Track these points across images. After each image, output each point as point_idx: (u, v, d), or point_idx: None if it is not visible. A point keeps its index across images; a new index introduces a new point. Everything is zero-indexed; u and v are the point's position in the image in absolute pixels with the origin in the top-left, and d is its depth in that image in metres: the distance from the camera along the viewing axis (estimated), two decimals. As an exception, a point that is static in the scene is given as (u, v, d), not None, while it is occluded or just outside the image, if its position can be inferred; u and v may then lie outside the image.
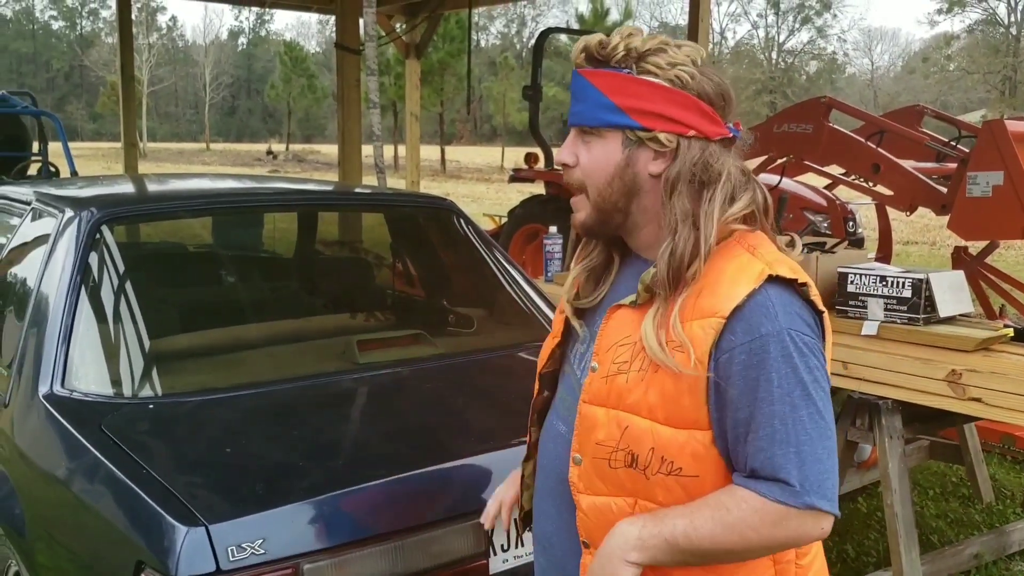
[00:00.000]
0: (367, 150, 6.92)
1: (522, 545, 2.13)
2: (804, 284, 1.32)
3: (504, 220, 8.70)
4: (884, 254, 6.94)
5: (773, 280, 1.29)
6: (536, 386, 1.64)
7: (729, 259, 1.33)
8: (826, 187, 7.49)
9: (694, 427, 1.31)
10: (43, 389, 2.26)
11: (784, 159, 6.18)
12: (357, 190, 4.21)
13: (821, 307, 1.34)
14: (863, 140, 5.82)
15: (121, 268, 2.64)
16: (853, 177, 6.15)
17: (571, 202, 1.45)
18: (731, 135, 1.37)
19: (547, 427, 1.56)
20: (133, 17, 13.11)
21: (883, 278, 3.16)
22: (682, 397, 1.30)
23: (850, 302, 3.23)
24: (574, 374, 1.49)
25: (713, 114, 1.35)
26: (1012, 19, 49.09)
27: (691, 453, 1.31)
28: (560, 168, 1.47)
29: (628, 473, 1.35)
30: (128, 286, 2.62)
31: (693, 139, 1.34)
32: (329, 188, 4.06)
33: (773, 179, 5.61)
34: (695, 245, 1.31)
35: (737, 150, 1.39)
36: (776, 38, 69.31)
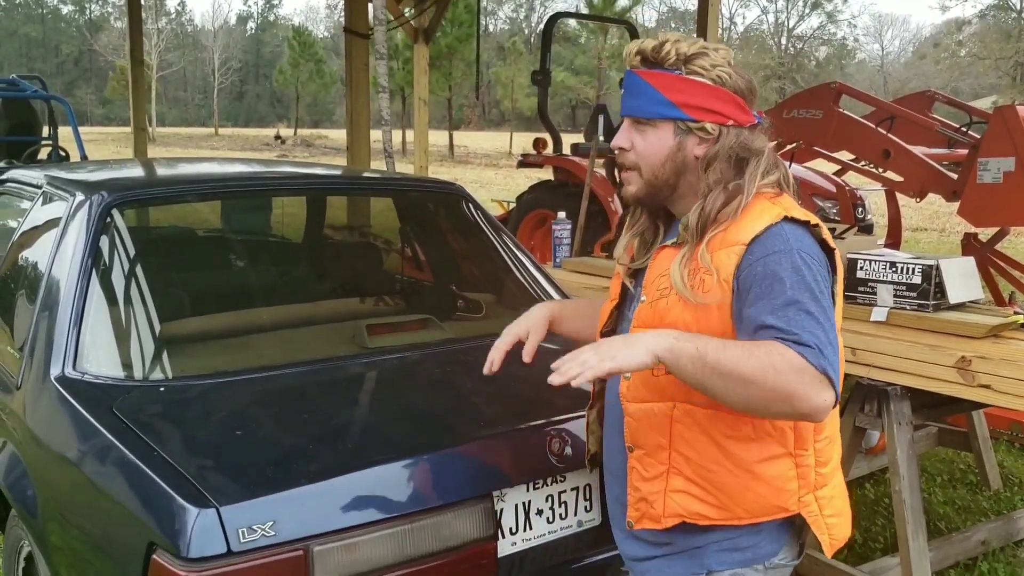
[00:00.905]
0: (375, 135, 6.92)
1: (531, 528, 2.15)
2: (816, 225, 1.62)
3: (512, 205, 8.69)
4: (893, 240, 6.91)
5: (788, 220, 1.59)
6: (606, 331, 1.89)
7: (754, 207, 1.62)
8: (835, 173, 7.45)
9: (723, 332, 1.56)
10: (55, 371, 2.28)
11: (793, 145, 6.15)
12: (366, 175, 4.21)
13: (832, 245, 1.64)
14: (873, 126, 5.78)
15: (131, 251, 2.65)
16: (863, 163, 6.12)
17: (622, 176, 1.76)
18: (756, 121, 1.68)
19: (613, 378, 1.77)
20: (142, 2, 13.10)
21: (893, 264, 3.14)
22: (711, 314, 1.59)
23: (859, 288, 3.22)
24: (631, 326, 1.73)
25: (744, 105, 1.67)
26: (1024, 5, 48.69)
27: None
28: (616, 151, 1.74)
29: (669, 379, 1.59)
30: (138, 269, 2.63)
31: (731, 127, 1.65)
32: (338, 173, 4.06)
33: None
34: (725, 201, 1.61)
35: (764, 132, 1.70)
36: (786, 23, 68.94)
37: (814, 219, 1.63)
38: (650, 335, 1.52)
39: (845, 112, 5.93)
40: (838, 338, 1.53)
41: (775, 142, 6.24)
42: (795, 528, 1.73)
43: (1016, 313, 3.13)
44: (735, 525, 1.67)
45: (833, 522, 1.74)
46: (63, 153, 10.14)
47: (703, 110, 1.64)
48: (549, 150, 8.37)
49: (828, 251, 1.62)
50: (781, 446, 1.64)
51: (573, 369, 1.50)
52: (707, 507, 1.65)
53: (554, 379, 1.52)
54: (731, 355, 1.45)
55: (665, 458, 1.67)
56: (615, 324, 1.86)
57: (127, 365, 2.34)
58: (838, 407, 1.64)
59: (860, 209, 7.45)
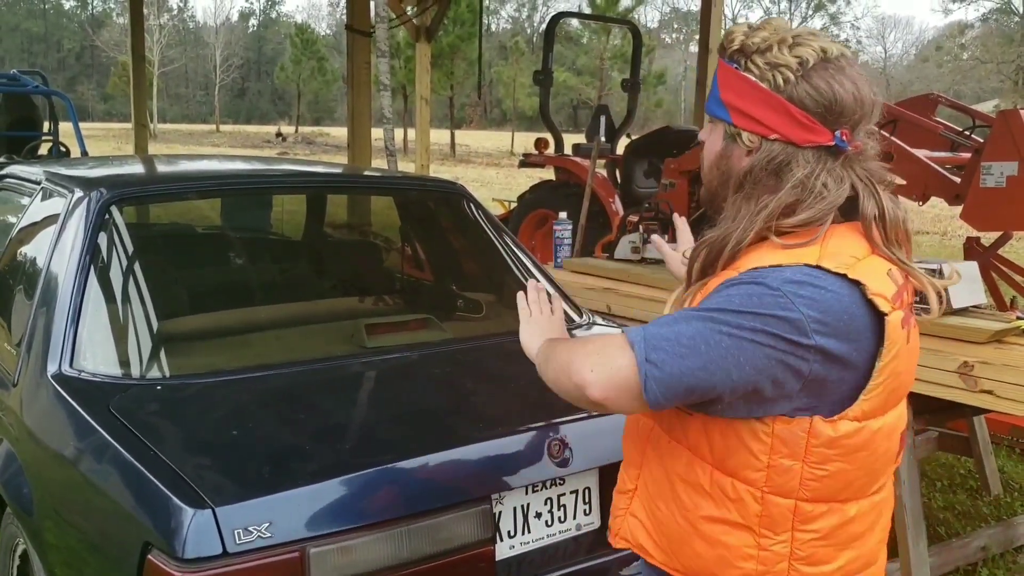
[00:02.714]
0: (377, 133, 6.90)
1: (529, 531, 2.13)
2: (857, 282, 1.28)
3: (513, 205, 8.68)
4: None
5: (812, 267, 1.28)
6: None
7: (764, 251, 1.33)
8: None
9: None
10: (52, 369, 2.26)
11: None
12: (367, 173, 4.20)
13: (883, 309, 1.29)
14: (876, 129, 5.76)
15: (130, 249, 2.63)
16: (865, 166, 6.09)
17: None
18: (832, 143, 1.33)
19: None
20: (144, -3, 13.08)
21: (895, 268, 3.13)
22: None
23: (861, 292, 3.20)
24: None
25: (807, 119, 1.33)
26: (1027, 8, 48.65)
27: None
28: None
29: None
30: (137, 267, 2.61)
31: (776, 142, 1.35)
32: (338, 171, 4.05)
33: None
34: (726, 243, 1.35)
35: (843, 161, 1.35)
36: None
37: (863, 273, 1.29)
38: (543, 337, 1.56)
39: (848, 114, 5.90)
40: (699, 355, 1.24)
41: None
42: None
43: (1018, 318, 3.11)
44: None
45: None
46: (63, 149, 10.12)
47: (745, 116, 1.37)
48: (551, 150, 8.35)
49: (878, 315, 1.29)
50: (738, 514, 1.35)
51: (523, 307, 1.66)
52: (652, 545, 1.47)
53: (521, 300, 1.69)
54: (563, 346, 1.44)
55: (635, 476, 1.51)
56: None
57: (124, 363, 2.33)
58: (857, 507, 1.37)
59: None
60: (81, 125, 10.39)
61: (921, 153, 5.62)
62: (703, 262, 1.38)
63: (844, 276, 1.27)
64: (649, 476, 1.47)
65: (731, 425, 1.32)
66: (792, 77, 1.33)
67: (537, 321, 1.64)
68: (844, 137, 1.33)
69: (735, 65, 1.38)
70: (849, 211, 1.35)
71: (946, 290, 3.06)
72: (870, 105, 1.37)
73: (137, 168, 3.63)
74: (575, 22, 47.82)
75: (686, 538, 1.40)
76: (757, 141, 1.36)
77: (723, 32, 1.47)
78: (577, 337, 1.49)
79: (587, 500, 2.23)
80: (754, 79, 1.36)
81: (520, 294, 1.71)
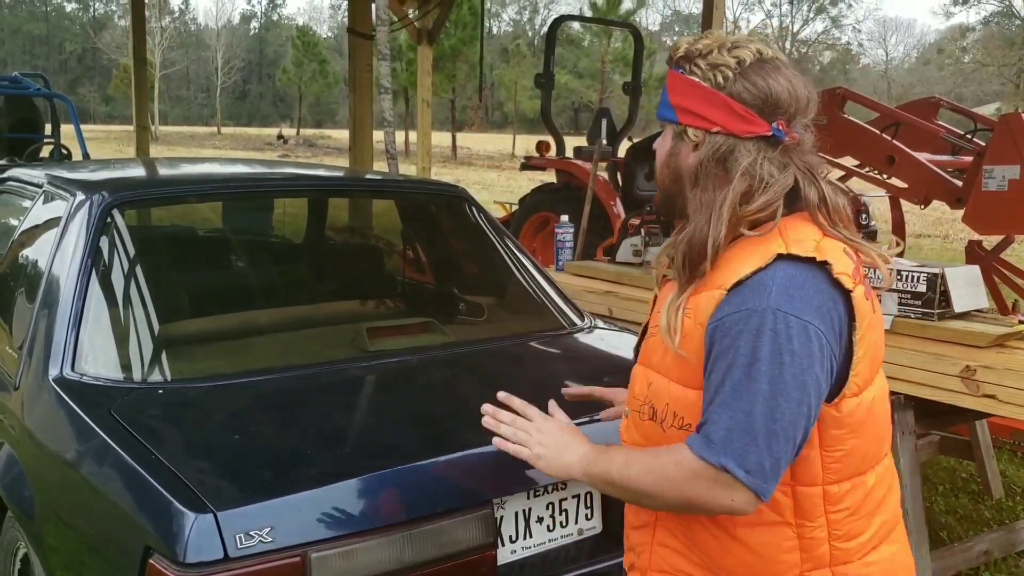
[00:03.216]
0: (378, 136, 6.90)
1: (531, 536, 2.13)
2: (825, 263, 1.37)
3: (515, 208, 8.68)
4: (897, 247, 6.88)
5: (785, 259, 1.36)
6: (633, 356, 1.78)
7: (742, 247, 1.41)
8: (839, 179, 7.43)
9: (700, 388, 1.41)
10: (53, 372, 2.26)
11: (793, 142, 6.11)
12: (368, 176, 4.20)
13: (848, 286, 1.39)
14: (878, 132, 5.76)
15: (131, 252, 2.63)
16: (867, 169, 6.09)
17: None
18: (770, 134, 1.43)
19: None
20: (146, 0, 13.09)
21: (898, 272, 3.13)
22: (689, 366, 1.42)
23: (863, 296, 3.20)
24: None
25: (746, 113, 1.43)
26: (1029, 12, 48.63)
27: (698, 412, 1.40)
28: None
29: (651, 425, 1.50)
30: (138, 270, 2.61)
31: (718, 135, 1.45)
32: (340, 174, 4.05)
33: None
34: (705, 239, 1.41)
35: (781, 151, 1.44)
36: (790, 27, 68.91)
37: (827, 254, 1.39)
38: (577, 454, 1.55)
39: (849, 117, 5.90)
40: (790, 422, 1.32)
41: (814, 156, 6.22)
42: None
43: (1021, 322, 3.11)
44: None
45: None
46: (65, 151, 10.13)
47: (690, 113, 1.48)
48: (552, 153, 8.36)
49: (844, 292, 1.39)
50: (774, 513, 1.42)
51: (507, 434, 1.63)
52: (691, 565, 1.50)
53: (488, 422, 1.65)
54: (632, 473, 1.43)
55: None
56: None
57: (126, 367, 2.33)
58: (874, 476, 1.48)
59: (863, 215, 7.43)
60: (83, 127, 10.41)
61: (923, 156, 5.62)
62: (687, 263, 1.43)
63: (813, 260, 1.37)
64: None
65: None
66: (731, 75, 1.44)
67: (542, 441, 1.61)
68: (781, 127, 1.44)
69: (680, 70, 1.49)
70: (791, 201, 1.44)
71: (947, 293, 3.07)
72: (805, 100, 1.47)
73: (139, 171, 3.63)
74: (576, 25, 47.89)
75: (728, 549, 1.46)
76: (702, 135, 1.47)
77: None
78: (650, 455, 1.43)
79: (589, 505, 2.23)
80: (697, 80, 1.47)
81: (489, 421, 1.69)
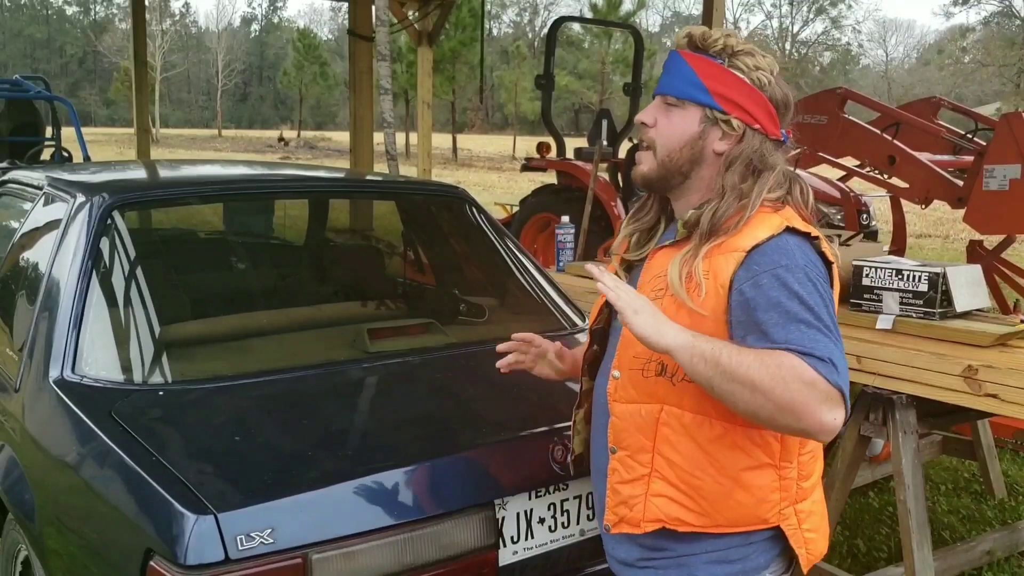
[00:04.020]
0: (379, 137, 6.90)
1: (532, 537, 2.12)
2: (816, 237, 1.60)
3: (515, 209, 8.67)
4: (898, 247, 6.88)
5: (789, 230, 1.57)
6: (587, 340, 1.89)
7: (754, 217, 1.59)
8: (840, 179, 7.43)
9: None
10: (53, 374, 2.26)
11: (798, 150, 6.12)
12: (369, 177, 4.19)
13: (831, 258, 1.60)
14: (879, 132, 5.77)
15: (132, 254, 2.63)
16: (868, 169, 6.09)
17: (636, 155, 1.72)
18: (782, 139, 1.67)
19: (602, 372, 1.79)
20: (146, 3, 13.11)
21: (899, 272, 3.12)
22: (706, 321, 1.54)
23: (865, 296, 3.20)
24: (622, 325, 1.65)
25: (776, 116, 1.65)
26: (1029, 12, 48.58)
27: None
28: (639, 126, 1.70)
29: (658, 381, 1.61)
30: (139, 272, 2.61)
31: (757, 131, 1.63)
32: (341, 175, 4.05)
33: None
34: (738, 211, 1.58)
35: (784, 152, 1.68)
36: (790, 28, 68.90)
37: (815, 231, 1.61)
38: (675, 327, 1.50)
39: (850, 118, 5.90)
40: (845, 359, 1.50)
41: (796, 158, 6.24)
42: (786, 542, 1.69)
43: (1022, 321, 3.10)
44: (721, 534, 1.64)
45: (811, 536, 1.70)
46: (66, 154, 10.12)
47: (734, 104, 1.61)
48: (553, 154, 8.36)
49: (827, 264, 1.59)
50: (767, 456, 1.61)
51: (609, 283, 1.53)
52: (688, 512, 1.62)
53: (591, 270, 1.58)
54: (744, 360, 1.44)
55: (648, 460, 1.64)
56: (607, 321, 1.83)
57: (126, 368, 2.32)
58: None
59: (864, 215, 7.43)
60: (83, 130, 10.39)
61: (924, 156, 5.62)
62: (710, 225, 1.58)
63: (808, 234, 1.58)
64: (671, 454, 1.62)
65: None
66: (771, 80, 1.64)
67: (643, 305, 1.53)
68: (788, 134, 1.68)
69: (720, 61, 1.62)
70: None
71: (949, 292, 3.06)
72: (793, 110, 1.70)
73: (139, 173, 3.62)
74: (576, 26, 47.89)
75: (728, 493, 1.60)
76: (743, 128, 1.62)
77: (681, 31, 1.70)
78: (755, 355, 1.45)
79: (590, 505, 2.22)
80: (741, 75, 1.62)
81: (593, 270, 1.59)
